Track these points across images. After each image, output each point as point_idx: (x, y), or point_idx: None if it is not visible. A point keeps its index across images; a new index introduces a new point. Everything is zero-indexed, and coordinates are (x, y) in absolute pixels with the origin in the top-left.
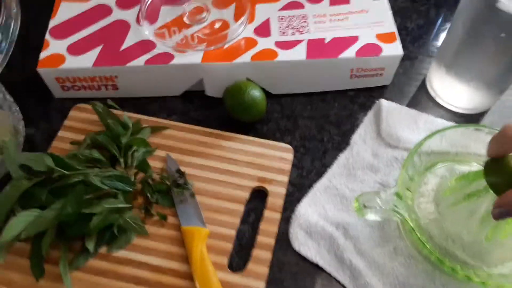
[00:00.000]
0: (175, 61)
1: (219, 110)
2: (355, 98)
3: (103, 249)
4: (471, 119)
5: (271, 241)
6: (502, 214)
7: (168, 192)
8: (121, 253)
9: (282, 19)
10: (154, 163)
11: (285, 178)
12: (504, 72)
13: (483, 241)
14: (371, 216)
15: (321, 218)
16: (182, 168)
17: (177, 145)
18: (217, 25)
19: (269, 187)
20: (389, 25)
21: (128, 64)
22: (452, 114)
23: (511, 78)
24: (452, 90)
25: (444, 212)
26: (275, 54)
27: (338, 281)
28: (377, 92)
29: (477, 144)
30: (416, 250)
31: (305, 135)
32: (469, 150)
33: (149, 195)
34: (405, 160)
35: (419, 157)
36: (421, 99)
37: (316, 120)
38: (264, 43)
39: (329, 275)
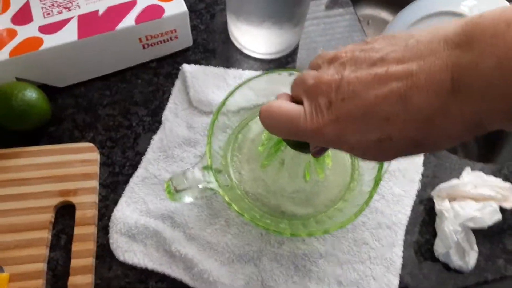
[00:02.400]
0: None
1: None
2: (158, 69)
3: None
4: (281, 62)
5: (89, 261)
6: (320, 151)
7: None
8: None
9: None
10: None
11: (93, 183)
12: (285, 7)
13: (305, 187)
14: (188, 199)
15: (143, 215)
16: None
17: None
18: None
19: (75, 199)
20: None
21: None
22: (261, 62)
23: (297, 11)
24: (250, 37)
25: (264, 170)
26: (40, 42)
27: (175, 278)
28: (182, 56)
29: (286, 88)
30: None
31: (109, 126)
32: None
33: None
34: (209, 128)
35: (227, 118)
36: (229, 53)
37: (119, 105)
38: (25, 32)
39: (164, 274)
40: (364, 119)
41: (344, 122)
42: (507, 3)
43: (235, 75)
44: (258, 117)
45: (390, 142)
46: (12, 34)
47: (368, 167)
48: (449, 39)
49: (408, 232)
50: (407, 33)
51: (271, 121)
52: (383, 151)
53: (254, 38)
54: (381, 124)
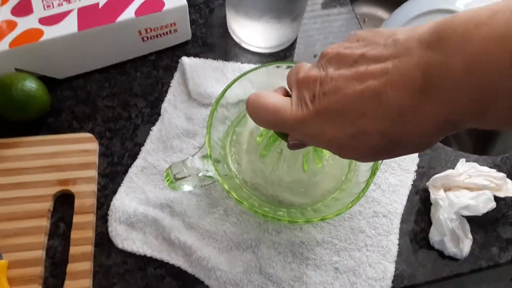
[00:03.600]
0: None
1: None
2: (157, 62)
3: None
4: (279, 56)
5: (88, 248)
6: (295, 144)
7: None
8: None
9: None
10: None
11: (92, 172)
12: (284, 1)
13: (303, 177)
14: (188, 187)
15: (142, 204)
16: None
17: None
18: None
19: (74, 188)
20: None
21: None
22: (259, 56)
23: (295, 6)
24: (249, 31)
25: (262, 160)
26: (40, 33)
27: (173, 265)
28: (181, 50)
29: (284, 81)
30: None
31: (108, 117)
32: None
33: None
34: (208, 118)
35: (226, 110)
36: (228, 47)
37: (118, 97)
38: (25, 23)
39: (163, 262)
40: (342, 113)
41: (323, 115)
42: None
43: (234, 68)
44: None
45: (365, 137)
46: (12, 25)
47: None
48: (422, 39)
49: (403, 221)
50: (388, 31)
51: (257, 110)
52: (359, 146)
53: (252, 32)
54: (357, 119)
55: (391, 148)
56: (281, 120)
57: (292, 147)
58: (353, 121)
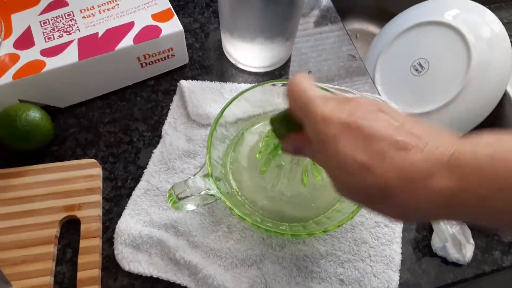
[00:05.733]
0: None
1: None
2: (156, 86)
3: None
4: (275, 74)
5: (95, 272)
6: (293, 149)
7: None
8: None
9: (45, 23)
10: None
11: (96, 197)
12: (276, 23)
13: (303, 190)
14: (191, 207)
15: (147, 226)
16: None
17: None
18: None
19: (79, 213)
20: (163, 2)
21: None
22: (255, 75)
23: (287, 26)
24: (244, 52)
25: (262, 176)
26: (42, 64)
27: (180, 285)
28: (179, 73)
29: (281, 98)
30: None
31: (110, 142)
32: (276, 106)
33: None
34: (208, 138)
35: (225, 129)
36: (224, 69)
37: (119, 122)
38: (27, 56)
39: (169, 282)
40: (366, 140)
41: (350, 130)
42: (488, 11)
43: (231, 88)
44: (254, 127)
45: (367, 173)
46: (14, 58)
47: None
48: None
49: (405, 229)
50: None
51: (298, 89)
52: (357, 177)
53: (247, 53)
54: (375, 154)
55: (385, 201)
56: (311, 107)
57: (288, 149)
58: (370, 154)
